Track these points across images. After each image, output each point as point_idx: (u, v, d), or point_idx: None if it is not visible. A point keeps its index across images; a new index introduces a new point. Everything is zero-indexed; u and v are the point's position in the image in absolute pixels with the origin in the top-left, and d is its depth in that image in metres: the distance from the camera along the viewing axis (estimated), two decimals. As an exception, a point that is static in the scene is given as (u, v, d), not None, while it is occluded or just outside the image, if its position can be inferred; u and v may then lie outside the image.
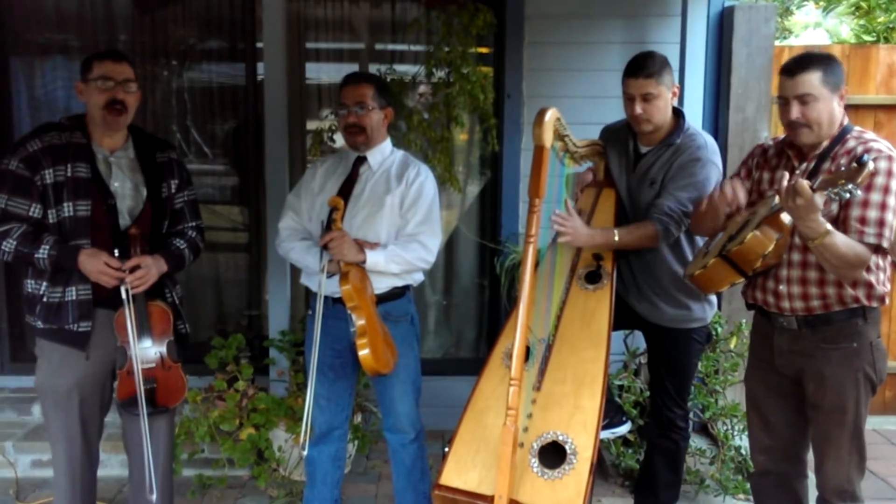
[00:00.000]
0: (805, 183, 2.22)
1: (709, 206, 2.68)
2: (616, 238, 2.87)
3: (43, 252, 2.64)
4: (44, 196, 2.68)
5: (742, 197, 2.61)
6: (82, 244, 2.69)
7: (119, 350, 2.76)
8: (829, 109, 2.49)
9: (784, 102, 2.53)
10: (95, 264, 2.65)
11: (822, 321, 2.56)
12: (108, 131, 2.78)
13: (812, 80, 2.46)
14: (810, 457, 2.76)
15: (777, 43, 4.87)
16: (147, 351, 2.79)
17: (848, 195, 2.15)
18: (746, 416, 2.91)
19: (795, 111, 2.48)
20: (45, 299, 2.72)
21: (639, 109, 2.91)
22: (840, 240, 2.34)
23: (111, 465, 3.88)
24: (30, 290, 2.77)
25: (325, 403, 3.04)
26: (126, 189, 2.80)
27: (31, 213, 2.68)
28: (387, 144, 3.07)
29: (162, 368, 2.83)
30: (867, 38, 7.18)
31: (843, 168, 2.17)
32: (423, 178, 3.00)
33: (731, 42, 4.24)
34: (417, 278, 3.07)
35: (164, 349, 2.83)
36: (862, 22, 7.55)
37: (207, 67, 4.72)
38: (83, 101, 2.77)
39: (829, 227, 2.31)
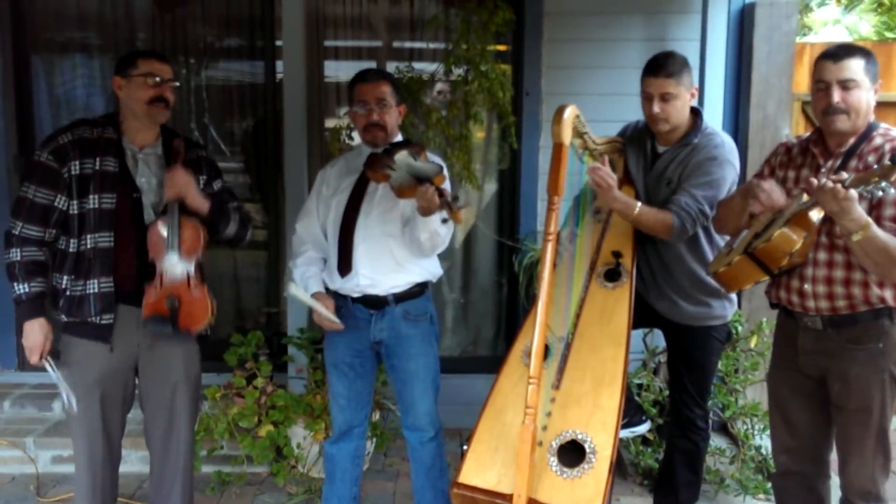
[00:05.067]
0: (839, 185, 2.19)
1: (738, 201, 2.65)
2: (636, 211, 2.84)
3: (20, 289, 2.71)
4: (69, 188, 2.72)
5: (779, 200, 2.52)
6: (104, 238, 2.71)
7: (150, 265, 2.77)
8: (868, 100, 2.48)
9: (824, 87, 2.48)
10: (33, 338, 2.72)
11: (847, 321, 2.53)
12: (147, 123, 2.82)
13: (857, 67, 2.44)
14: (833, 457, 2.73)
15: (797, 40, 4.83)
16: (174, 267, 2.76)
17: (881, 193, 2.12)
18: (769, 416, 2.88)
19: (837, 95, 2.45)
20: (67, 293, 2.75)
21: (657, 109, 2.89)
22: (881, 233, 2.30)
23: (131, 461, 3.89)
24: (52, 284, 2.80)
25: (345, 402, 3.05)
26: (152, 185, 2.83)
27: (56, 204, 2.71)
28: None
29: (187, 288, 2.79)
30: (889, 34, 7.13)
31: (875, 166, 2.13)
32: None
33: (752, 39, 4.20)
34: (436, 273, 3.06)
35: (191, 268, 2.79)
36: (884, 18, 7.49)
37: (226, 65, 4.74)
38: (122, 96, 2.80)
39: (868, 218, 2.27)
